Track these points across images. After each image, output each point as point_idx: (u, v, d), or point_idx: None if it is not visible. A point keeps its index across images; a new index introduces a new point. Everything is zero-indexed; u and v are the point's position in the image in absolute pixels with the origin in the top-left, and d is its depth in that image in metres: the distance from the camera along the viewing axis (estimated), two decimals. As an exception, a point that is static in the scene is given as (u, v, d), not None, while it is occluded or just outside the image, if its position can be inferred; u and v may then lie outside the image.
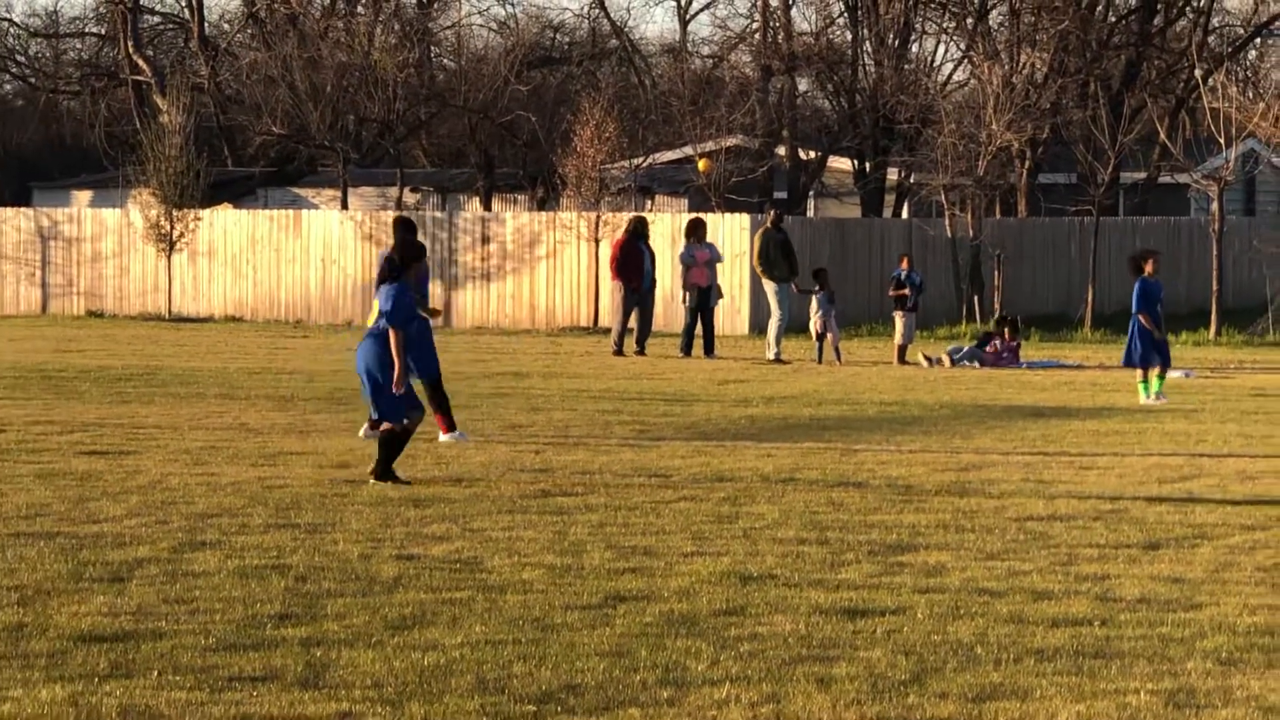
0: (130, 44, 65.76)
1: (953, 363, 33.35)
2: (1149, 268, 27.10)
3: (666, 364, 33.17)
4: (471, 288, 43.23)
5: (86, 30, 74.59)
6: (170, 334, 40.20)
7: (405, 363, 17.53)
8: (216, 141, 60.59)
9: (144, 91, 62.60)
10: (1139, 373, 26.72)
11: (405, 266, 18.10)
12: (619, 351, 35.10)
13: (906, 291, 35.00)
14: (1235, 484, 17.62)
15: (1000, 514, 15.52)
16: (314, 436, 20.83)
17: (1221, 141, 45.81)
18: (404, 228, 23.40)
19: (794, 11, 59.63)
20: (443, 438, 20.13)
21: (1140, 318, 26.50)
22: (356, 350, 17.87)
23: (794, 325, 35.38)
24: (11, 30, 75.00)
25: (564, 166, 46.88)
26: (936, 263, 41.82)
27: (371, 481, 17.16)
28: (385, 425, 17.58)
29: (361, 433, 19.67)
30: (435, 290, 41.70)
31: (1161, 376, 26.60)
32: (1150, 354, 26.53)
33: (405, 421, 17.59)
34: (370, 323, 18.09)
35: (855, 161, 57.22)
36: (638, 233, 36.74)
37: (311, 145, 59.20)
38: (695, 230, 36.83)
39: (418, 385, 18.28)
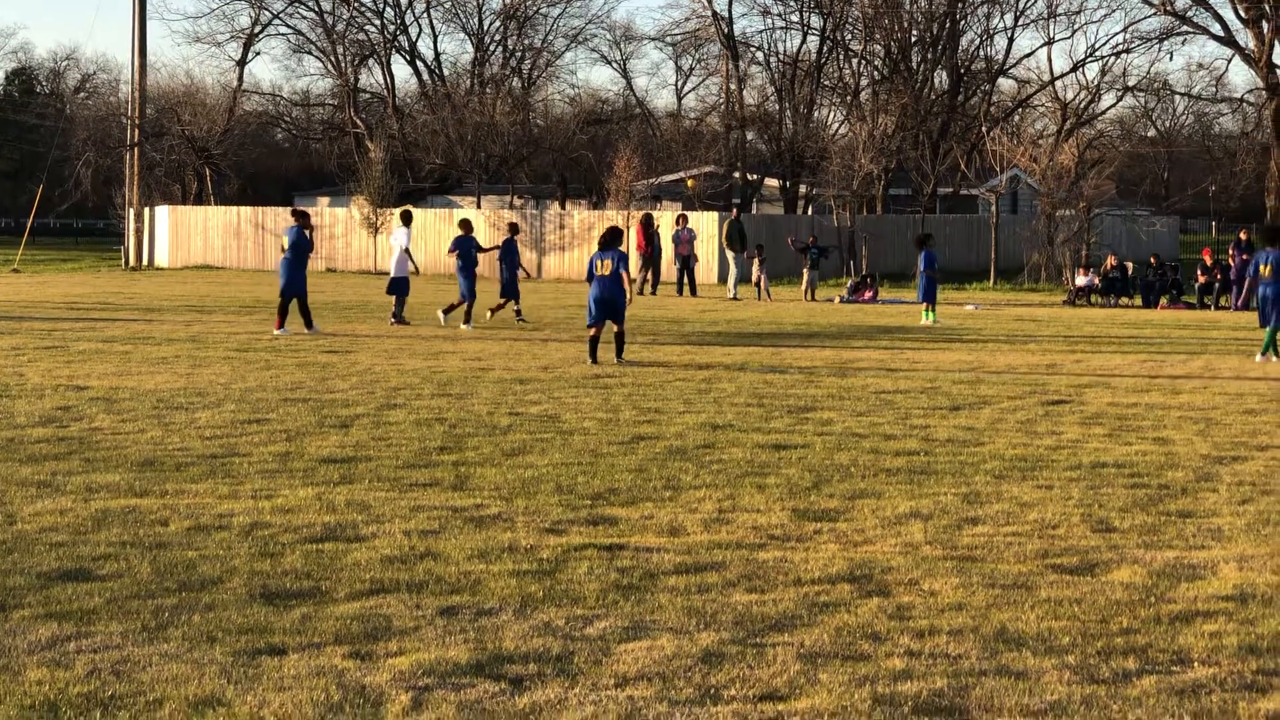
0: (351, 110, 65.70)
1: (842, 301, 33.23)
2: (929, 243, 27.06)
3: (668, 300, 33.03)
4: (554, 255, 43.08)
5: (326, 102, 74.65)
6: (374, 282, 39.97)
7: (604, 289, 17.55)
8: (402, 168, 60.34)
9: (359, 138, 62.50)
10: (924, 306, 26.62)
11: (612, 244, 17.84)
12: (639, 293, 34.85)
13: (807, 253, 34.81)
14: (1004, 371, 17.57)
15: (865, 389, 15.48)
16: (460, 342, 20.82)
17: (997, 169, 45.61)
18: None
19: (744, 92, 59.27)
20: (275, 331, 21.24)
21: (926, 273, 26.42)
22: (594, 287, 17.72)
23: (742, 278, 35.25)
24: (282, 101, 75.40)
25: (608, 183, 46.72)
26: (828, 242, 41.51)
27: (616, 361, 17.63)
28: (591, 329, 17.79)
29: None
30: (531, 256, 41.72)
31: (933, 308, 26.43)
32: (932, 295, 26.40)
33: (593, 328, 17.72)
34: (602, 273, 17.59)
35: (780, 181, 56.99)
36: (648, 223, 36.82)
37: (459, 170, 59.05)
38: (682, 220, 36.93)
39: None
